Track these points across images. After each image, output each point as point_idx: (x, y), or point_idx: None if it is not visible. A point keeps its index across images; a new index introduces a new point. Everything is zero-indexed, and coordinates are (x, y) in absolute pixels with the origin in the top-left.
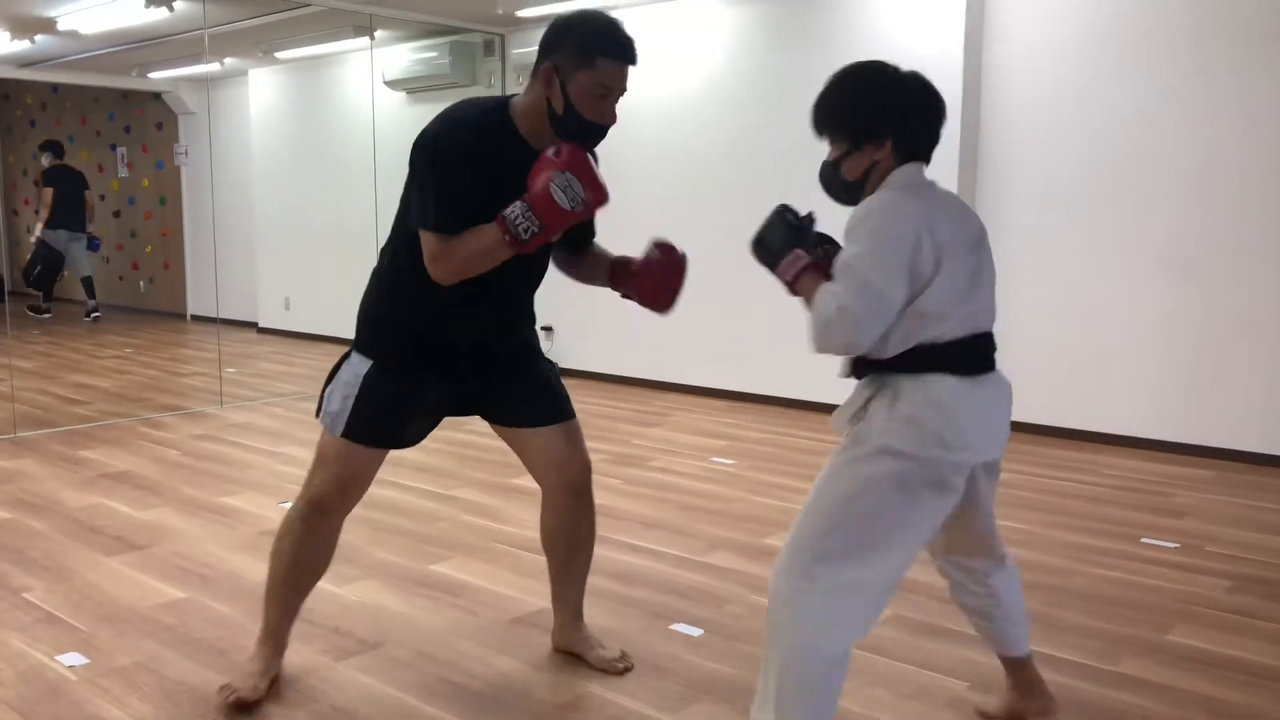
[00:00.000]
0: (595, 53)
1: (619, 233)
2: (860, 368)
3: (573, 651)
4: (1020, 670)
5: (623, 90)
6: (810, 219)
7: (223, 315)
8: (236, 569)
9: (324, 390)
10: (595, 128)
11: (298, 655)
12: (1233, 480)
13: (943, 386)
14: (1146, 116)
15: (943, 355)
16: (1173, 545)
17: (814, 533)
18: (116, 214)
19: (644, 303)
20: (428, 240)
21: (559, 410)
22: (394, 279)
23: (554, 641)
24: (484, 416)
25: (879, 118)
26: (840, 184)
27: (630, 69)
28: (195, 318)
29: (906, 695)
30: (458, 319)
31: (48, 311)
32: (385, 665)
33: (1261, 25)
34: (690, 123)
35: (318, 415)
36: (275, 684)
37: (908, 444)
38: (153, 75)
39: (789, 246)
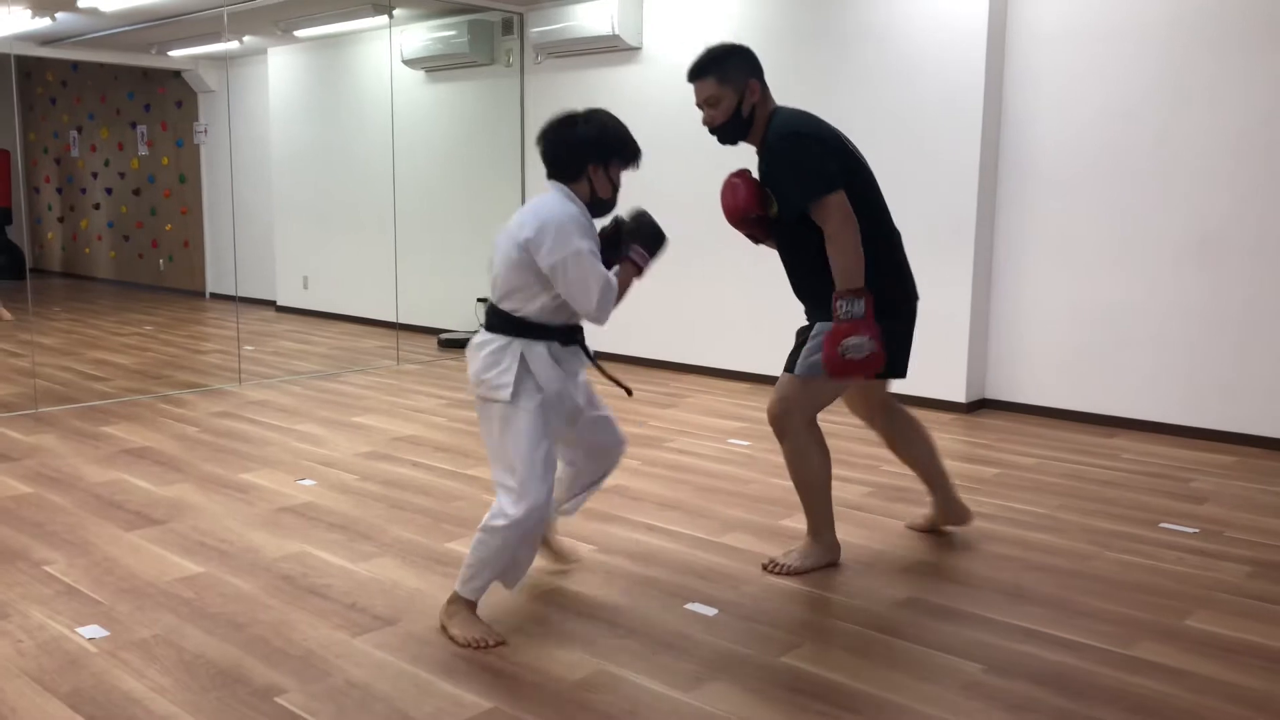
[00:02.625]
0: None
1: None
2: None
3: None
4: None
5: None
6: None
7: (241, 294)
8: (254, 544)
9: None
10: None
11: (313, 629)
12: (1254, 466)
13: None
14: (1169, 102)
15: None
16: (1192, 530)
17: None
18: (136, 192)
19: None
20: None
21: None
22: None
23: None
24: None
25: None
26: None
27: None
28: (214, 296)
29: (921, 677)
30: None
31: None
32: (402, 641)
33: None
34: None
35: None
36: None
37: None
38: (172, 53)
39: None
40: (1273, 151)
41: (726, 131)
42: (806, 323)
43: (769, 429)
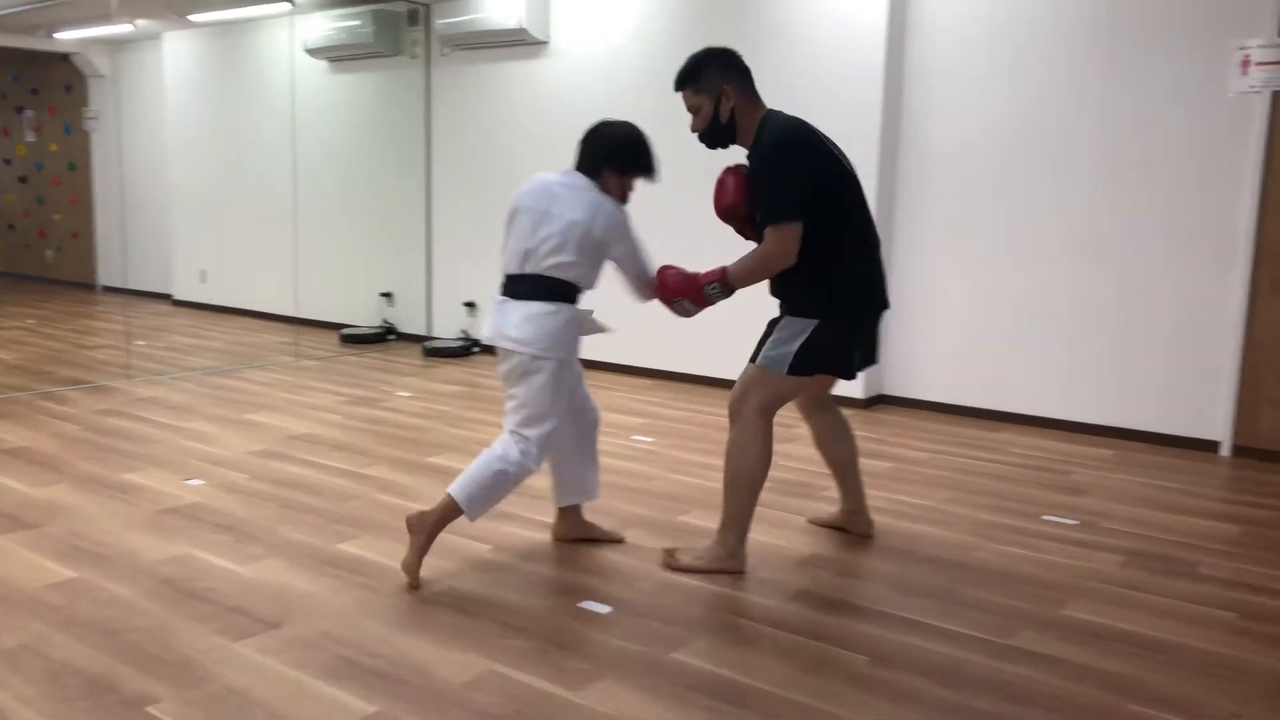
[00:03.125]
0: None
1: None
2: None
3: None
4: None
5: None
6: None
7: (136, 287)
8: (134, 547)
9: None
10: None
11: (192, 635)
12: (1131, 459)
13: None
14: (1061, 102)
15: None
16: (1072, 522)
17: None
18: (23, 179)
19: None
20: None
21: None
22: None
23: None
24: None
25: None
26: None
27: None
28: (107, 288)
29: (808, 670)
30: None
31: None
32: (285, 645)
33: (1166, 18)
34: (616, 94)
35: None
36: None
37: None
38: (60, 35)
39: None
40: (1153, 153)
41: (708, 137)
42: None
43: (673, 425)
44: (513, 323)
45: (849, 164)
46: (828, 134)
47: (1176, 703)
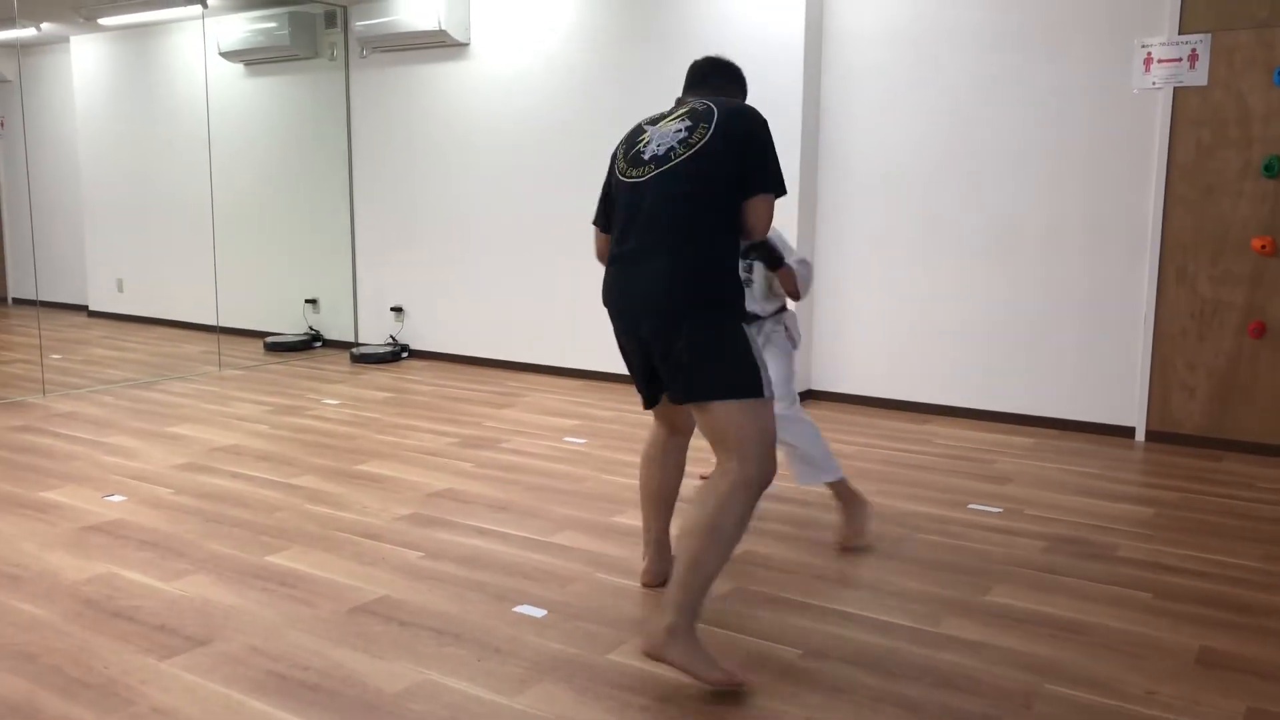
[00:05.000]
0: None
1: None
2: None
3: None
4: None
5: None
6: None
7: (50, 298)
8: (53, 567)
9: (756, 369)
10: None
11: (117, 655)
12: (1051, 447)
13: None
14: (973, 103)
15: None
16: (996, 510)
17: None
18: None
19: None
20: (767, 203)
21: None
22: (731, 251)
23: (655, 578)
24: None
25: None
26: None
27: None
28: (17, 301)
29: (742, 665)
30: None
31: None
32: (213, 662)
33: (1074, 19)
34: (537, 103)
35: (760, 394)
36: None
37: None
38: None
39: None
40: (1062, 150)
41: None
42: None
43: (603, 426)
44: None
45: (629, 162)
46: None
47: (1095, 681)
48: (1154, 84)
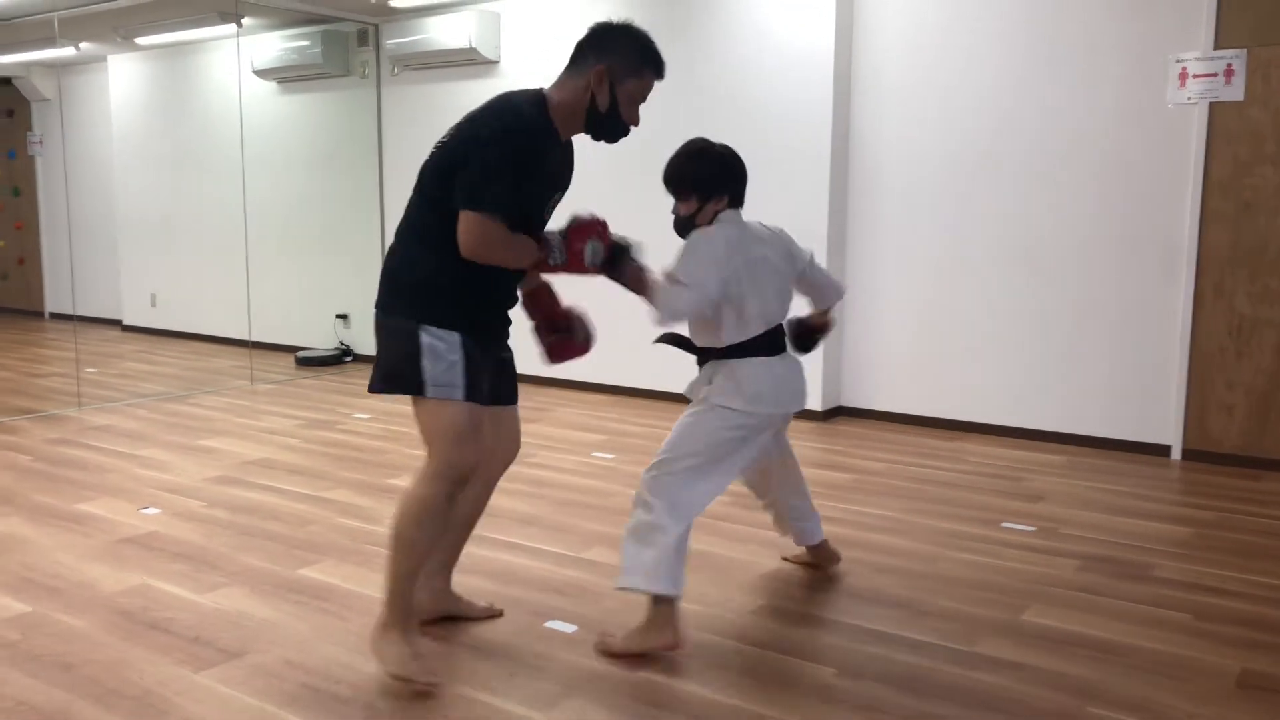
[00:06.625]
0: (645, 64)
1: None
2: (704, 355)
3: (450, 614)
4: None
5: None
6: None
7: (85, 313)
8: (90, 579)
9: (416, 368)
10: (625, 129)
11: (152, 667)
12: (1084, 465)
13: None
14: (1003, 115)
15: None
16: (1030, 529)
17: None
18: None
19: (548, 350)
20: (475, 220)
21: (513, 394)
22: (444, 253)
23: (425, 611)
24: None
25: (721, 182)
26: (693, 228)
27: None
28: (54, 315)
29: (776, 684)
30: (499, 288)
31: None
32: (247, 674)
33: (1106, 32)
34: None
35: (420, 392)
36: None
37: (735, 402)
38: (0, 59)
39: (622, 258)
40: (1097, 164)
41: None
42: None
43: (632, 441)
44: (801, 377)
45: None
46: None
47: (1135, 704)
48: (1189, 99)
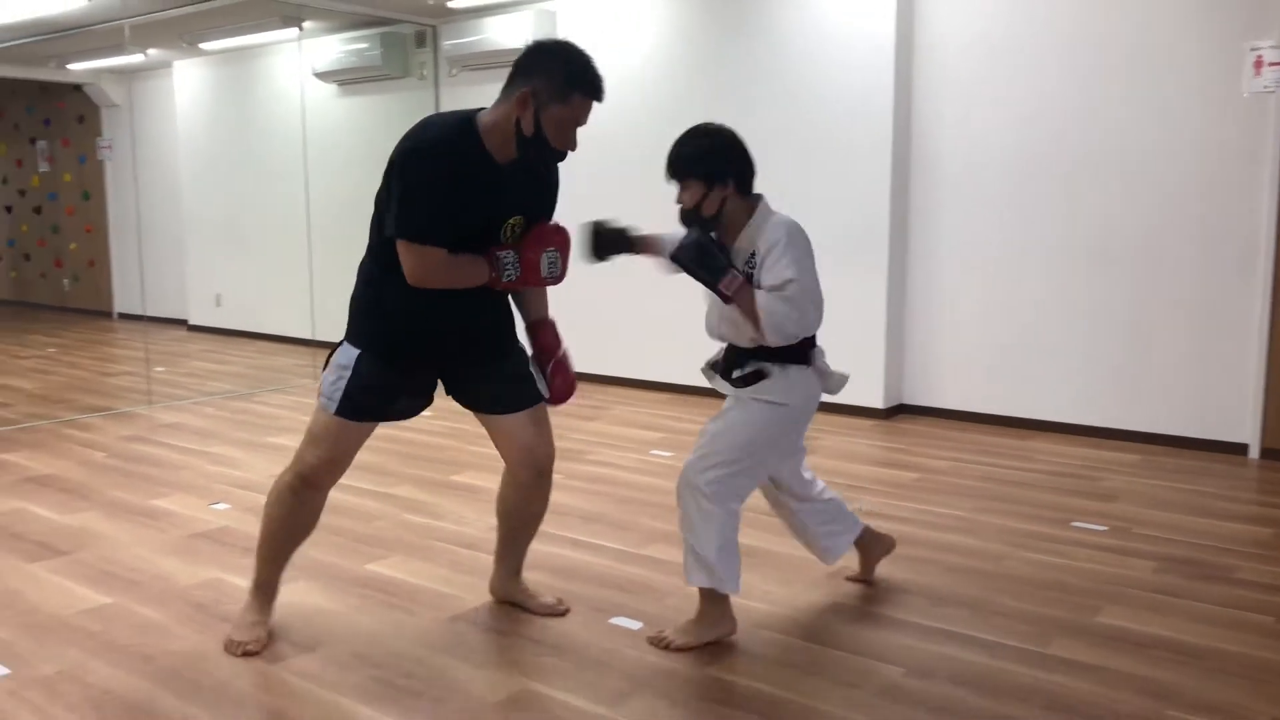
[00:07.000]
0: (573, 88)
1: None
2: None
3: (512, 601)
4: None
5: (585, 123)
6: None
7: (152, 313)
8: (165, 572)
9: (323, 373)
10: (557, 153)
11: (228, 659)
12: (1158, 464)
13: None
14: (1068, 110)
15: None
16: (1102, 529)
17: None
18: (38, 210)
19: (551, 393)
20: (405, 248)
21: (530, 397)
22: (381, 272)
23: (494, 593)
24: (462, 401)
25: (727, 164)
26: (700, 219)
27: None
28: (123, 315)
29: (843, 682)
30: (440, 309)
31: None
32: (320, 667)
33: (1176, 20)
34: (623, 116)
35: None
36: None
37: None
38: (72, 66)
39: (726, 265)
40: (1169, 155)
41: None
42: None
43: (691, 439)
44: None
45: None
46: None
47: (1217, 707)
48: (1265, 87)
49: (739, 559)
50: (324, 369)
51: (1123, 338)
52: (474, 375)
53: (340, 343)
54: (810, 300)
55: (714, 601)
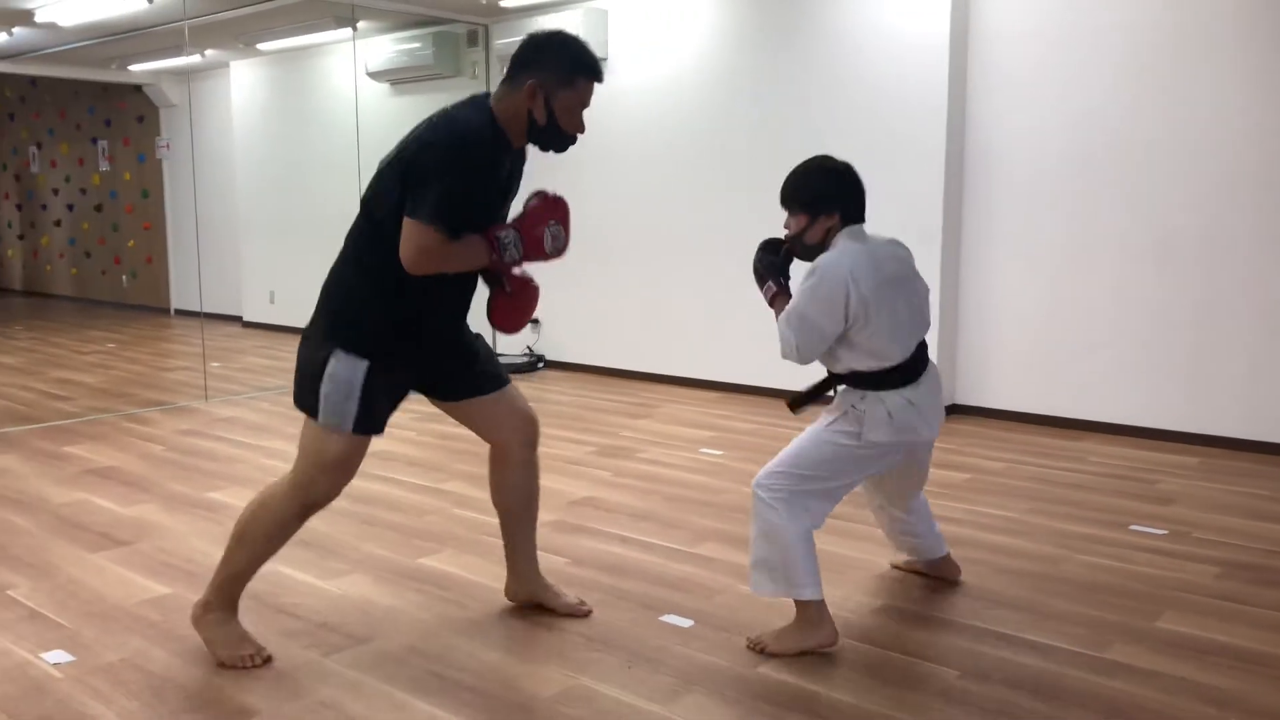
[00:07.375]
0: (577, 73)
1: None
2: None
3: (536, 601)
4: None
5: (589, 104)
6: (788, 253)
7: (207, 309)
8: None
9: (313, 390)
10: (572, 138)
11: (284, 650)
12: (1218, 467)
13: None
14: (1128, 105)
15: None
16: (1161, 532)
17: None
18: (98, 208)
19: (496, 321)
20: (421, 233)
21: (501, 375)
22: (376, 274)
23: (513, 596)
24: (430, 395)
25: (831, 198)
26: (805, 249)
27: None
28: (179, 312)
29: (897, 684)
30: (430, 308)
31: None
32: (375, 660)
33: (1239, 14)
34: (675, 114)
35: (315, 417)
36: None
37: (879, 434)
38: (133, 68)
39: (768, 274)
40: (1229, 150)
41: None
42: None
43: (740, 438)
44: (939, 398)
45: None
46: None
47: (1278, 715)
48: None
49: (804, 565)
50: (301, 381)
51: (1178, 338)
52: (456, 365)
53: (323, 355)
54: (800, 332)
55: (808, 609)
